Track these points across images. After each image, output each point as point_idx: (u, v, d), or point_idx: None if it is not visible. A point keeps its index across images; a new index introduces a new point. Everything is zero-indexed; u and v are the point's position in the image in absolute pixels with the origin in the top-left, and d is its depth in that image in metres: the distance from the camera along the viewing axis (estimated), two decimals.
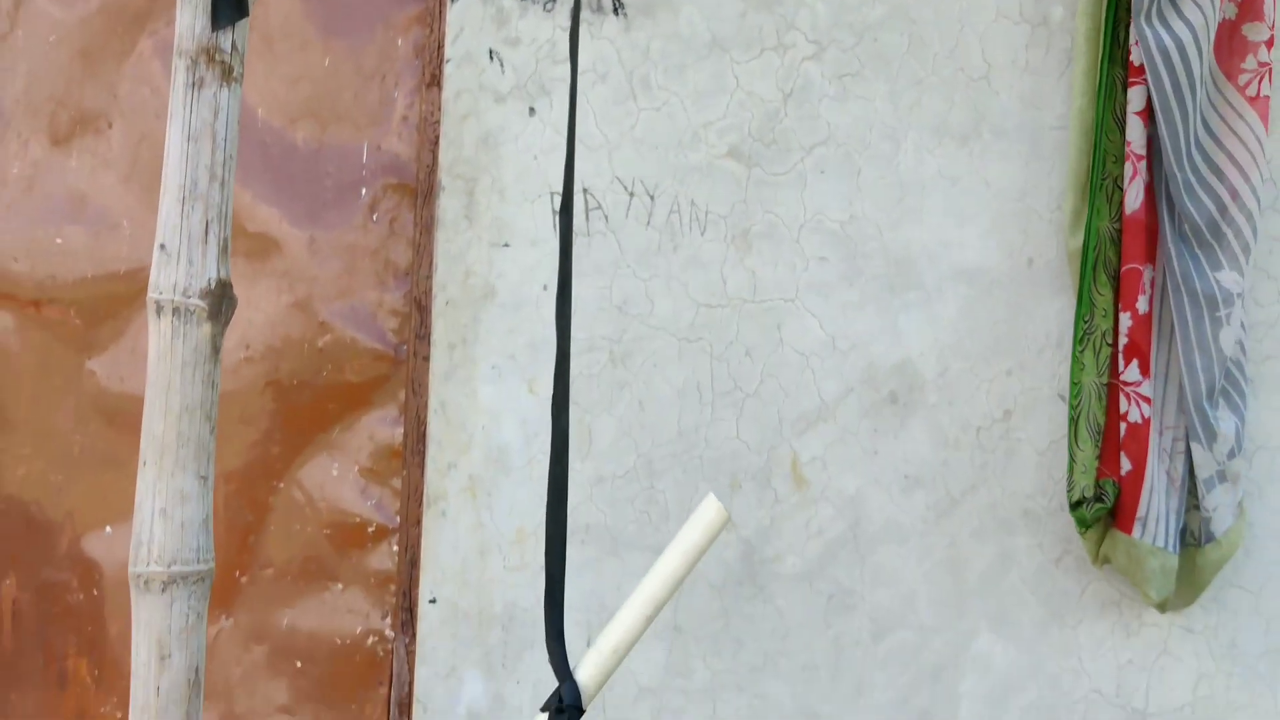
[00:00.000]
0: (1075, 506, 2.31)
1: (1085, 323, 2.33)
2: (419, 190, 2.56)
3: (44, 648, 2.71)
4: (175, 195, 1.52)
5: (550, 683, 1.82)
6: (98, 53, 2.69)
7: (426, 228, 2.53)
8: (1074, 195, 2.38)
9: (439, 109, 2.53)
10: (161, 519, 1.47)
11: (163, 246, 1.52)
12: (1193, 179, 2.28)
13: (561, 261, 1.59)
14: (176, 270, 1.51)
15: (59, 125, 2.71)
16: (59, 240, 2.70)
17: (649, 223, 2.47)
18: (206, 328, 1.52)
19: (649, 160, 2.47)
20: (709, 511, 1.49)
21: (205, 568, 1.50)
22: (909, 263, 2.45)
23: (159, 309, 1.51)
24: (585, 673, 1.50)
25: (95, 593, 2.70)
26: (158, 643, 1.46)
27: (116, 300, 2.70)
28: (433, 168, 2.53)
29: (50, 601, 2.71)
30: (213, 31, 1.53)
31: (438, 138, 2.53)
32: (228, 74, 1.54)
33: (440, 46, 2.53)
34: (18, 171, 2.70)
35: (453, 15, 2.51)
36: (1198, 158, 2.29)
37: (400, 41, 2.61)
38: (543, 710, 1.48)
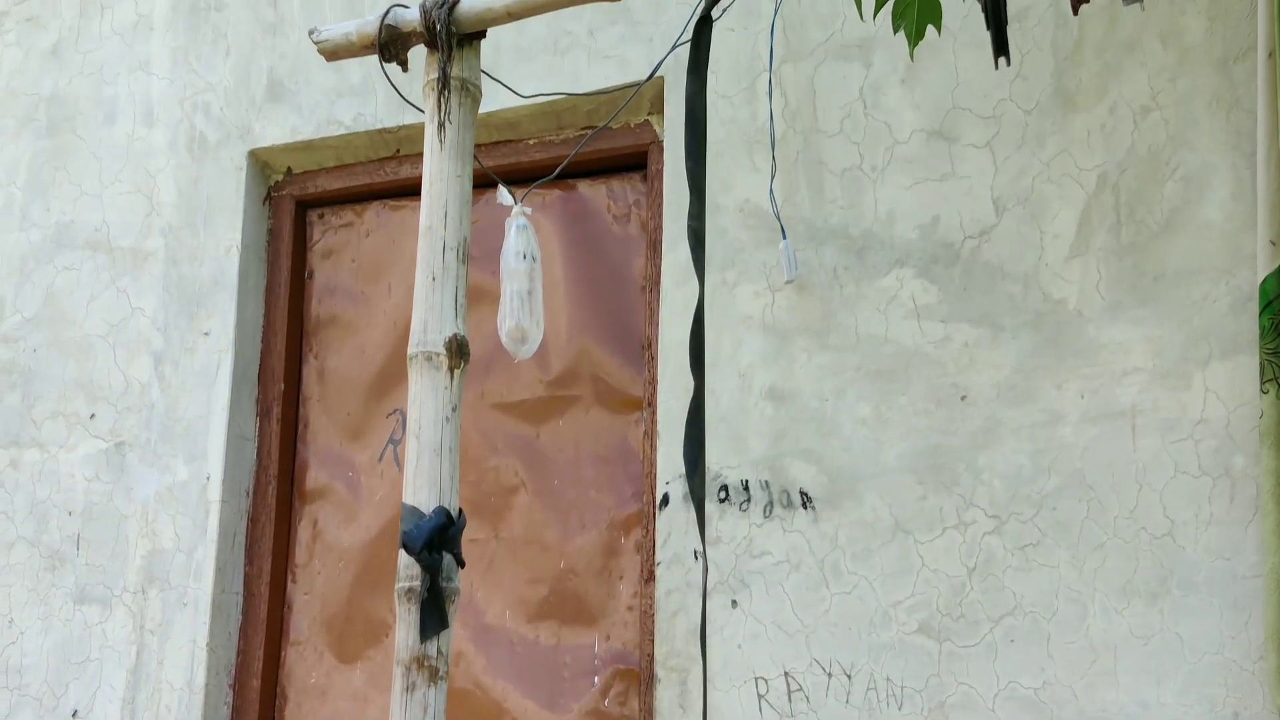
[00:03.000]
0: None
1: None
2: (641, 676, 2.85)
3: None
4: None
5: None
6: (377, 573, 3.18)
7: (649, 711, 2.80)
8: (1276, 652, 2.38)
9: (654, 603, 2.84)
10: None
11: None
12: None
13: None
14: None
15: (345, 642, 3.18)
16: None
17: (847, 700, 2.64)
18: None
19: (844, 641, 2.67)
20: None
21: None
22: None
23: None
24: None
25: None
26: None
27: None
28: (652, 657, 2.82)
29: None
30: (421, 642, 1.91)
31: (654, 630, 2.83)
32: (434, 675, 1.90)
33: (653, 547, 2.87)
34: (314, 681, 3.17)
35: (661, 520, 2.85)
36: None
37: (624, 539, 2.98)
38: None
